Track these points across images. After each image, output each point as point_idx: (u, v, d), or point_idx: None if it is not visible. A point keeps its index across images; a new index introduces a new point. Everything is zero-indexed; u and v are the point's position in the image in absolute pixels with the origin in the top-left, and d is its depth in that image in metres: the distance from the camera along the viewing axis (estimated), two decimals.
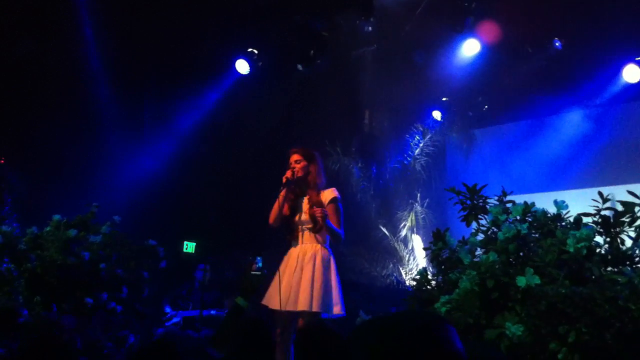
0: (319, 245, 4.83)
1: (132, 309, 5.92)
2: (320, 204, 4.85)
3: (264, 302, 4.72)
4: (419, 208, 9.77)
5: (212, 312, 8.15)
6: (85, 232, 5.98)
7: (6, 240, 5.62)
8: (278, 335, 4.71)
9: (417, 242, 9.70)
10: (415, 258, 9.59)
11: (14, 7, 8.27)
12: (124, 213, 6.71)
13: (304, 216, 4.90)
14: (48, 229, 5.88)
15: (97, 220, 6.22)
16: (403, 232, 9.76)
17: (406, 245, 9.71)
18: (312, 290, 4.56)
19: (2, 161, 8.56)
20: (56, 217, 5.94)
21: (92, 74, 9.05)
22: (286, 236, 4.98)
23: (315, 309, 4.50)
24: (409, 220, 9.75)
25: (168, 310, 8.01)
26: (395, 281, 8.86)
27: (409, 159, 10.06)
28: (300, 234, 4.88)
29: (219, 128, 10.22)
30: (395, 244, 9.66)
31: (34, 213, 7.24)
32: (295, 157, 5.00)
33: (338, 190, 5.06)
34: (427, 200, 9.79)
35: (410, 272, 9.31)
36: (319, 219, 4.65)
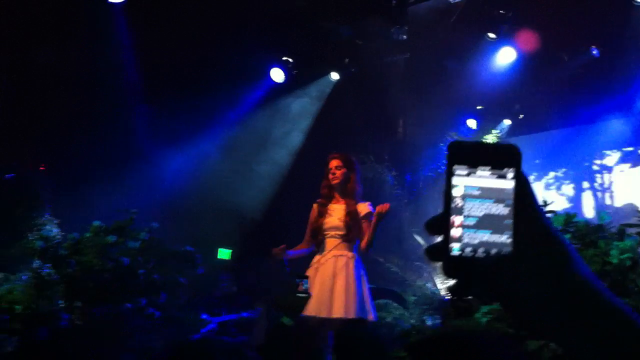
0: (350, 253, 4.84)
1: (170, 314, 5.97)
2: (356, 214, 4.87)
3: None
4: None
5: (244, 314, 8.19)
6: (124, 237, 6.05)
7: (48, 246, 5.71)
8: (306, 341, 4.74)
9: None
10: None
11: (52, 15, 8.44)
12: (159, 219, 6.78)
13: (337, 222, 4.90)
14: (88, 234, 5.96)
15: (135, 225, 6.29)
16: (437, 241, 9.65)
17: None
18: (347, 298, 4.58)
19: (43, 168, 8.73)
20: (96, 223, 6.00)
21: (128, 80, 9.19)
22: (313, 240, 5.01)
23: (351, 315, 4.52)
24: None
25: (204, 316, 8.06)
26: (429, 290, 8.77)
27: (443, 167, 9.94)
28: (327, 240, 4.89)
29: (254, 135, 10.28)
30: None
31: (73, 219, 7.36)
32: (335, 162, 4.99)
33: (372, 198, 5.09)
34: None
35: (444, 282, 9.22)
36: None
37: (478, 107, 10.29)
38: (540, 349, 3.63)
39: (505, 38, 8.81)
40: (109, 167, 8.66)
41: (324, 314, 4.58)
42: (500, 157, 0.80)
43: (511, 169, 0.79)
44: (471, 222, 0.79)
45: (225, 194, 9.88)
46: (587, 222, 4.23)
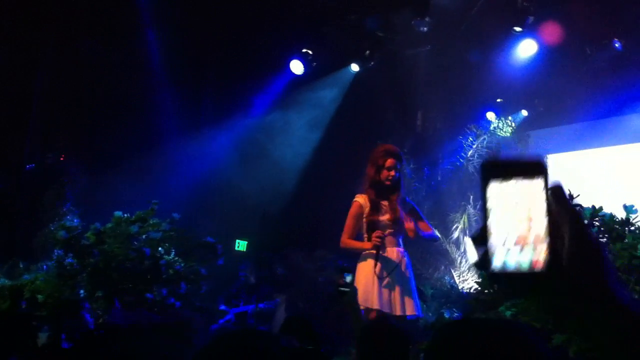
0: (403, 251, 4.85)
1: (191, 304, 5.99)
2: (408, 211, 4.87)
3: (368, 304, 4.53)
4: (471, 210, 9.63)
5: (261, 305, 8.20)
6: (146, 228, 6.06)
7: (70, 236, 5.74)
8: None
9: (470, 245, 9.56)
10: (468, 261, 9.46)
11: (80, 10, 8.49)
12: (181, 210, 6.80)
13: (394, 218, 4.81)
14: (110, 225, 5.97)
15: (157, 216, 6.30)
16: (455, 234, 9.63)
17: (458, 248, 9.59)
18: (414, 296, 4.62)
19: (62, 158, 8.79)
20: (118, 213, 6.02)
21: (151, 73, 9.22)
22: (370, 236, 4.78)
23: (421, 313, 4.63)
24: (461, 222, 9.62)
25: (223, 307, 8.09)
26: (447, 284, 8.75)
27: (461, 160, 9.91)
28: (388, 236, 4.80)
29: (272, 128, 10.28)
30: (447, 246, 9.55)
31: (94, 209, 7.41)
32: (392, 161, 4.78)
33: None
34: (480, 202, 9.61)
35: (462, 275, 9.20)
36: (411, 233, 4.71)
37: (498, 100, 10.21)
38: (566, 342, 3.61)
39: (527, 31, 8.72)
40: (132, 159, 8.69)
41: (398, 312, 4.56)
42: (529, 169, 0.85)
43: (540, 178, 0.83)
44: (509, 233, 0.83)
45: (245, 186, 9.89)
46: (612, 216, 4.20)
